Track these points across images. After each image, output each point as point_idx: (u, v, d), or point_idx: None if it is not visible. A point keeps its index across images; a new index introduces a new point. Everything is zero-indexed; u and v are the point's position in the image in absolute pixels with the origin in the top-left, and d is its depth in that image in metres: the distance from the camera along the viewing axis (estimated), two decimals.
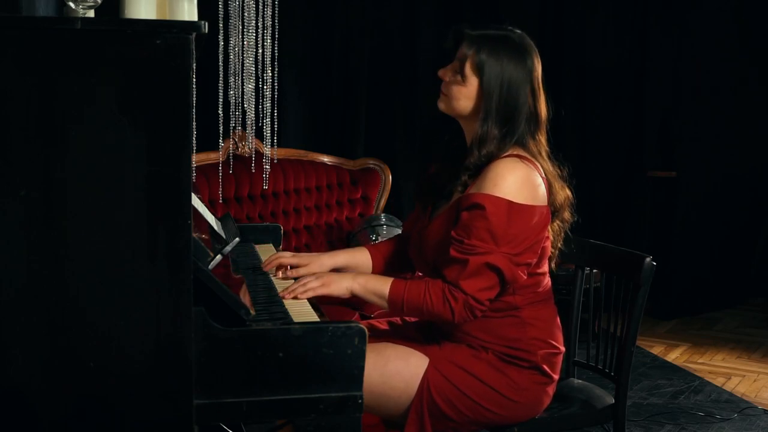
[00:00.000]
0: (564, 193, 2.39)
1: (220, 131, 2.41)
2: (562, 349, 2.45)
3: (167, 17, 2.01)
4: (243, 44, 2.38)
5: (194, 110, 1.84)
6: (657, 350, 4.82)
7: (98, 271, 1.78)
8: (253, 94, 2.42)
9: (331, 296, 2.33)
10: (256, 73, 2.41)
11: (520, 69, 2.32)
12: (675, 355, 4.74)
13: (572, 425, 2.51)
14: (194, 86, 1.87)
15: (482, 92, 2.32)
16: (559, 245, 2.45)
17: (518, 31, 2.39)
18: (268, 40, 2.40)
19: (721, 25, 5.42)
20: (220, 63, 2.38)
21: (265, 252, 2.70)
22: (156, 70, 1.75)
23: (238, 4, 2.35)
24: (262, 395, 1.88)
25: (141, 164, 1.77)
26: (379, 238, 4.19)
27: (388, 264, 2.60)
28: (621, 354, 2.54)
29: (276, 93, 2.46)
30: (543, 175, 2.33)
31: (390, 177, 4.64)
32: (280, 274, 2.46)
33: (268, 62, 2.41)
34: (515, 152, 2.33)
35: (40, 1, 2.24)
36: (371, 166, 4.63)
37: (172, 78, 1.76)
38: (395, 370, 2.29)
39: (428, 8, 5.26)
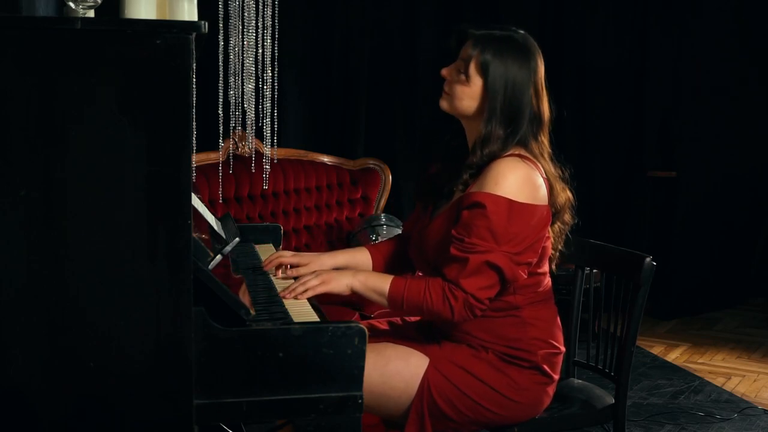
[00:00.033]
0: (565, 195, 2.39)
1: (220, 131, 2.41)
2: (563, 349, 2.45)
3: (167, 17, 2.01)
4: (243, 44, 2.38)
5: (194, 110, 1.84)
6: (657, 350, 4.82)
7: (98, 271, 1.78)
8: (253, 94, 2.42)
9: (331, 294, 2.33)
10: (256, 73, 2.41)
11: (524, 70, 2.33)
12: (675, 355, 4.74)
13: (572, 425, 2.51)
14: (194, 86, 1.87)
15: (486, 92, 2.32)
16: (559, 247, 2.45)
17: (521, 31, 2.39)
18: (268, 40, 2.40)
19: (721, 25, 5.42)
20: (220, 63, 2.38)
21: (265, 252, 2.70)
22: (156, 70, 1.76)
23: (238, 4, 2.35)
24: (262, 395, 1.88)
25: (141, 164, 1.77)
26: (379, 238, 4.19)
27: (389, 264, 2.60)
28: (621, 354, 2.54)
29: (276, 93, 2.46)
30: (544, 175, 2.33)
31: (390, 177, 4.64)
32: (279, 273, 2.46)
33: (268, 62, 2.41)
34: (517, 152, 2.33)
35: (40, 1, 2.24)
36: (371, 166, 4.63)
37: (172, 78, 1.76)
38: (395, 370, 2.29)
39: (428, 8, 5.26)
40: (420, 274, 2.54)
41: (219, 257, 2.14)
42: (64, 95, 1.74)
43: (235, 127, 2.45)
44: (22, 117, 1.73)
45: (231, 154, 3.94)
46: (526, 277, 2.31)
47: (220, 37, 2.36)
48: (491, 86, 2.32)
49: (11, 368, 1.78)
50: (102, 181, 1.76)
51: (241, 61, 2.40)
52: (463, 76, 2.35)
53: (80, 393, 1.80)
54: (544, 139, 2.39)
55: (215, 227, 2.39)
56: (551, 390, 2.42)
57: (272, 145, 2.48)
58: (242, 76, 2.40)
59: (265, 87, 2.43)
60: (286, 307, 2.15)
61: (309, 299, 2.27)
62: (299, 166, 4.42)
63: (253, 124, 2.45)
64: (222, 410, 1.87)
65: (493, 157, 2.31)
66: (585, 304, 2.89)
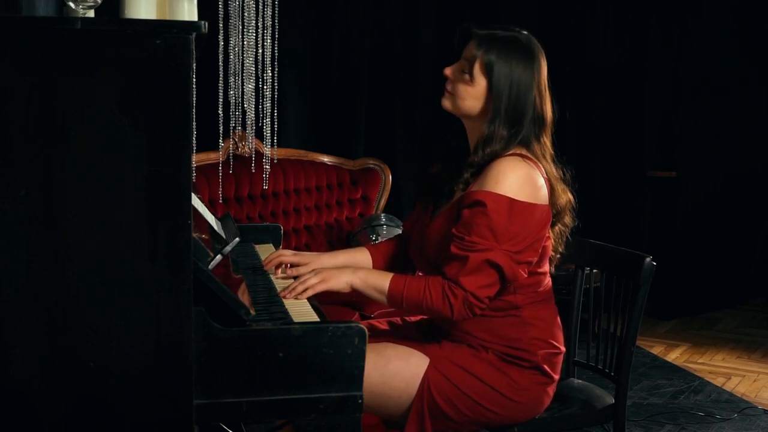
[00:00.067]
0: (566, 197, 2.39)
1: (220, 131, 2.41)
2: (563, 349, 2.44)
3: (167, 17, 2.01)
4: (243, 44, 2.38)
5: (194, 110, 1.84)
6: (657, 350, 4.82)
7: (98, 271, 1.78)
8: (253, 94, 2.42)
9: (331, 292, 2.33)
10: (256, 73, 2.41)
11: (528, 71, 2.33)
12: (675, 355, 4.74)
13: (572, 425, 2.51)
14: (194, 86, 1.87)
15: (490, 93, 2.32)
16: (560, 249, 2.44)
17: (525, 32, 2.39)
18: (268, 40, 2.40)
19: (721, 25, 5.42)
20: (220, 63, 2.38)
21: (265, 252, 2.70)
22: (156, 70, 1.76)
23: (238, 4, 2.35)
24: (262, 395, 1.88)
25: (141, 164, 1.77)
26: (379, 238, 4.19)
27: (389, 264, 2.59)
28: (621, 354, 2.54)
29: (276, 93, 2.46)
30: (545, 176, 2.33)
31: (390, 177, 4.64)
32: (279, 272, 2.46)
33: (268, 62, 2.41)
34: (518, 152, 2.33)
35: (40, 1, 2.24)
36: (371, 166, 4.63)
37: (172, 78, 1.76)
38: (395, 370, 2.29)
39: (428, 8, 5.26)
40: (420, 273, 2.54)
41: (219, 257, 2.14)
42: (64, 95, 1.74)
43: (235, 127, 2.45)
44: (22, 117, 1.73)
45: (231, 154, 3.94)
46: (526, 276, 2.31)
47: (220, 37, 2.36)
48: (495, 87, 2.32)
49: (11, 368, 1.78)
50: (102, 181, 1.76)
51: (241, 61, 2.40)
52: (467, 76, 2.35)
53: (80, 393, 1.80)
54: (547, 141, 2.39)
55: (215, 227, 2.39)
56: (551, 390, 2.42)
57: (272, 145, 2.48)
58: (242, 76, 2.40)
59: (265, 87, 2.43)
60: (286, 307, 2.15)
61: (309, 299, 2.27)
62: (299, 166, 4.42)
63: (253, 124, 2.45)
64: (222, 410, 1.87)
65: (495, 157, 2.31)
66: (585, 304, 2.89)
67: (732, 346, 4.91)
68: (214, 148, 3.62)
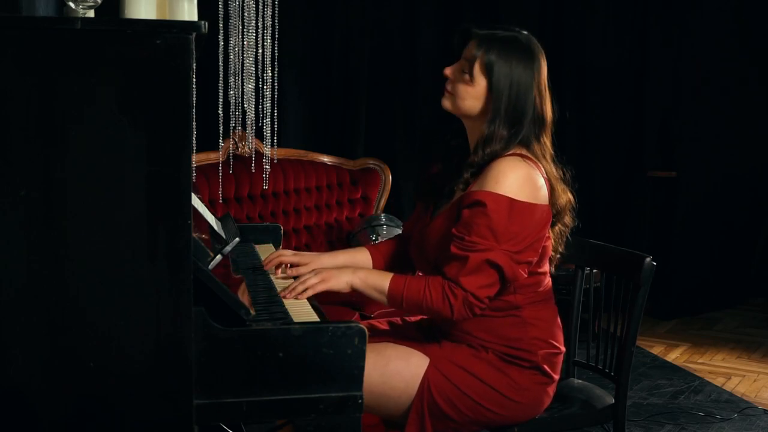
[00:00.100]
0: (566, 197, 2.39)
1: (220, 131, 2.41)
2: (563, 349, 2.44)
3: (167, 17, 2.01)
4: (243, 44, 2.38)
5: (194, 110, 1.84)
6: (657, 350, 4.82)
7: (98, 271, 1.78)
8: (253, 94, 2.42)
9: (331, 292, 2.33)
10: (256, 73, 2.41)
11: (528, 71, 2.33)
12: (675, 355, 4.74)
13: (572, 425, 2.51)
14: (194, 86, 1.87)
15: (490, 93, 2.32)
16: (560, 249, 2.44)
17: (525, 32, 2.39)
18: (268, 40, 2.40)
19: (721, 25, 5.42)
20: (220, 63, 2.38)
21: (265, 252, 2.70)
22: (156, 70, 1.75)
23: (238, 4, 2.35)
24: (262, 395, 1.88)
25: (141, 164, 1.77)
26: (379, 238, 4.19)
27: (389, 264, 2.59)
28: (621, 354, 2.54)
29: (276, 93, 2.46)
30: (545, 176, 2.33)
31: (390, 177, 4.64)
32: (278, 272, 2.46)
33: (268, 62, 2.41)
34: (519, 151, 2.33)
35: (40, 1, 2.24)
36: (371, 166, 4.63)
37: (172, 78, 1.76)
38: (395, 370, 2.29)
39: (428, 8, 5.26)
40: (420, 274, 2.55)
41: (219, 257, 2.14)
42: (64, 95, 1.74)
43: (235, 127, 2.45)
44: (22, 117, 1.73)
45: (231, 154, 3.94)
46: (526, 276, 2.31)
47: (220, 37, 2.36)
48: (495, 87, 2.31)
49: (11, 368, 1.78)
50: (102, 181, 1.76)
51: (241, 61, 2.40)
52: (467, 76, 2.35)
53: (80, 393, 1.80)
54: (547, 141, 2.39)
55: (215, 227, 2.39)
56: (551, 390, 2.42)
57: (272, 145, 2.48)
58: (242, 76, 2.40)
59: (265, 87, 2.42)
60: (286, 307, 2.15)
61: (309, 299, 2.27)
62: (299, 166, 4.42)
63: (253, 124, 2.45)
64: (222, 410, 1.87)
65: (495, 157, 2.31)
66: (585, 304, 2.89)
67: (732, 346, 4.91)
68: (214, 148, 3.62)
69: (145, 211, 1.77)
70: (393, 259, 2.61)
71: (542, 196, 2.30)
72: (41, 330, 1.77)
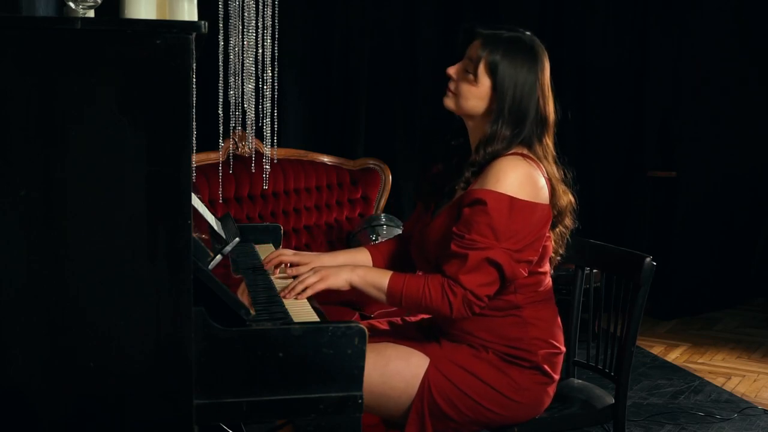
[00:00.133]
0: (567, 198, 2.39)
1: (220, 131, 2.41)
2: (563, 349, 2.44)
3: (167, 17, 2.01)
4: (243, 44, 2.38)
5: (194, 110, 1.84)
6: (657, 350, 4.82)
7: (98, 271, 1.78)
8: (253, 94, 2.42)
9: (330, 291, 2.33)
10: (256, 73, 2.41)
11: (532, 71, 2.33)
12: (675, 355, 4.74)
13: (572, 425, 2.51)
14: (194, 86, 1.87)
15: (494, 93, 2.32)
16: (560, 251, 2.44)
17: (528, 32, 2.39)
18: (268, 40, 2.40)
19: (721, 25, 5.42)
20: (220, 63, 2.38)
21: (265, 252, 2.70)
22: (156, 70, 1.76)
23: (238, 4, 2.35)
24: (262, 395, 1.88)
25: (141, 164, 1.77)
26: (379, 238, 4.19)
27: (389, 264, 2.59)
28: (621, 354, 2.54)
29: (276, 93, 2.46)
30: (546, 176, 2.33)
31: (390, 177, 4.64)
32: (278, 271, 2.46)
33: (268, 62, 2.41)
34: (520, 151, 2.33)
35: (40, 1, 2.24)
36: (371, 166, 4.63)
37: (172, 78, 1.76)
38: (395, 370, 2.29)
39: (428, 8, 5.26)
40: (421, 273, 2.54)
41: (219, 257, 2.14)
42: (64, 95, 1.74)
43: (235, 127, 2.45)
44: (22, 117, 1.73)
45: (231, 154, 3.94)
46: (526, 275, 2.31)
47: (220, 37, 2.36)
48: (499, 87, 2.31)
49: (11, 368, 1.78)
50: (102, 181, 1.76)
51: (241, 61, 2.40)
52: (471, 76, 2.34)
53: (80, 393, 1.80)
54: (549, 142, 2.39)
55: (215, 227, 2.39)
56: (551, 390, 2.42)
57: (272, 145, 2.48)
58: (242, 76, 2.40)
59: (265, 87, 2.42)
60: (286, 307, 2.15)
61: (309, 299, 2.27)
62: (299, 166, 4.42)
63: (253, 124, 2.45)
64: (222, 410, 1.87)
65: (496, 156, 2.31)
66: (585, 304, 2.89)
67: (732, 346, 4.91)
68: (214, 148, 3.62)
69: (145, 211, 1.77)
70: (393, 259, 2.61)
71: (543, 195, 2.30)
72: (41, 330, 1.77)
